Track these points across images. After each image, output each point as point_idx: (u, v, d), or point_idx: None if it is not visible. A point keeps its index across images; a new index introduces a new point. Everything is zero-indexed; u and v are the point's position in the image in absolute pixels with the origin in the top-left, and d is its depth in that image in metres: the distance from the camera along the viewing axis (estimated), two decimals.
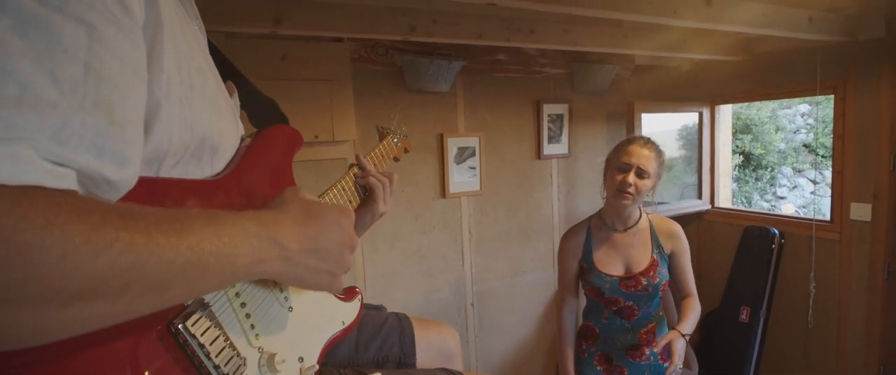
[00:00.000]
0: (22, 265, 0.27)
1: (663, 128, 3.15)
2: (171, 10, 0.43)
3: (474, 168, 2.69)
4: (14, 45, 0.29)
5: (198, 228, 0.37)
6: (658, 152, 1.51)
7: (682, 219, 3.21)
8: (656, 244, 1.57)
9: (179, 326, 0.41)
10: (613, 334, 1.59)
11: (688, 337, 1.47)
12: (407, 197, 2.54)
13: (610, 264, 1.56)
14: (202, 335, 0.42)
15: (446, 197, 2.62)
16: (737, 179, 6.94)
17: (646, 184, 1.47)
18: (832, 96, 2.45)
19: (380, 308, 0.93)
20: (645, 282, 1.52)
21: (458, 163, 2.65)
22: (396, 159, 1.07)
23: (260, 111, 0.68)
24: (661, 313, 1.61)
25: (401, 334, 0.83)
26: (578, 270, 1.63)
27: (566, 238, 1.66)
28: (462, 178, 2.66)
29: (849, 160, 2.38)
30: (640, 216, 1.60)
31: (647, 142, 1.51)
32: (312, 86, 2.18)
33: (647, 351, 1.57)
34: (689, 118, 3.26)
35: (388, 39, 2.24)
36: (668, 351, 1.59)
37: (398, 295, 2.55)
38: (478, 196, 2.72)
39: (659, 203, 3.16)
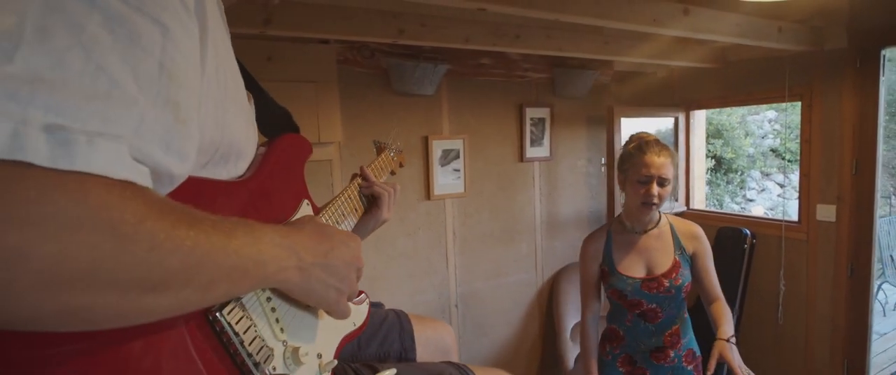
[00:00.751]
0: (120, 253, 0.30)
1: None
2: (215, 15, 0.45)
3: (459, 170, 2.72)
4: (105, 40, 0.31)
5: (240, 235, 0.39)
6: (672, 154, 1.50)
7: None
8: (678, 245, 1.56)
9: (217, 314, 0.43)
10: (638, 336, 1.58)
11: (734, 340, 1.44)
12: (397, 199, 2.54)
13: (631, 266, 1.54)
14: (236, 324, 0.44)
15: (431, 198, 2.64)
16: (709, 182, 7.18)
17: (668, 190, 1.48)
18: (799, 103, 2.57)
19: (379, 305, 0.95)
20: (667, 284, 1.50)
21: (442, 166, 2.67)
22: (393, 172, 1.10)
23: (272, 120, 0.69)
24: (685, 314, 1.61)
25: (401, 330, 0.84)
26: (600, 274, 1.62)
27: (587, 242, 1.65)
28: (446, 180, 2.69)
29: (815, 164, 2.50)
30: (660, 218, 1.59)
31: (661, 148, 1.49)
32: (298, 87, 2.17)
33: (672, 353, 1.56)
34: (662, 123, 3.37)
35: (375, 42, 2.26)
36: (692, 354, 1.59)
37: (383, 296, 2.53)
38: (462, 198, 2.75)
39: None
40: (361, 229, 0.85)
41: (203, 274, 0.35)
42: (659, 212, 1.60)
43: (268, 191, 0.56)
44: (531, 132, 2.95)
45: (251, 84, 0.66)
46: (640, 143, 1.53)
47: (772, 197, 6.72)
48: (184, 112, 0.37)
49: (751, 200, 7.14)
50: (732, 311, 2.70)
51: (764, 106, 7.21)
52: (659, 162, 1.46)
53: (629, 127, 3.09)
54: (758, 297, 2.78)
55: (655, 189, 1.46)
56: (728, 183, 7.19)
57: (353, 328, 0.65)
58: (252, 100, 0.65)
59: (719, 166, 7.15)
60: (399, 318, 0.86)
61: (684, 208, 3.19)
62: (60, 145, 0.28)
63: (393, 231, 2.55)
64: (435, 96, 2.60)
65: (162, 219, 0.32)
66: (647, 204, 1.47)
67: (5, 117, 0.26)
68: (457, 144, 2.70)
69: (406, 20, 1.86)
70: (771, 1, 1.64)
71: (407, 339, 0.82)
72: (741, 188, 7.21)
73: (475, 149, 2.77)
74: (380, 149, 1.03)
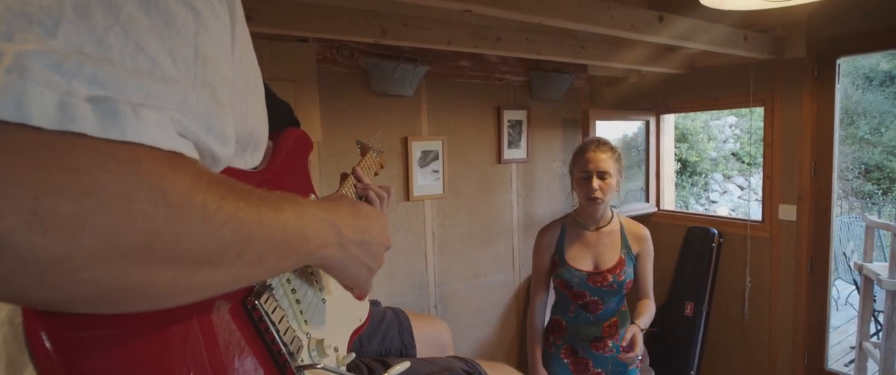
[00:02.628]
0: (174, 224, 0.29)
1: (612, 135, 3.34)
2: (239, 5, 0.45)
3: (437, 171, 2.72)
4: (142, 21, 0.31)
5: (287, 208, 0.39)
6: (612, 150, 1.61)
7: None
8: (625, 245, 1.67)
9: (256, 302, 0.42)
10: (579, 327, 1.68)
11: (644, 331, 1.59)
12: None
13: (580, 259, 1.65)
14: (272, 312, 0.44)
15: (410, 200, 2.64)
16: (676, 185, 7.44)
17: (610, 183, 1.58)
18: (762, 108, 2.70)
19: (376, 303, 0.94)
20: (611, 279, 1.61)
21: (421, 167, 2.67)
22: (376, 174, 1.10)
23: (274, 114, 0.68)
24: (623, 308, 1.71)
25: (400, 327, 0.84)
26: (550, 264, 1.71)
27: (542, 233, 1.74)
28: (426, 181, 2.69)
29: (777, 165, 2.63)
30: (613, 217, 1.70)
31: (600, 144, 1.61)
32: (276, 86, 2.10)
33: (610, 344, 1.67)
34: (628, 128, 3.47)
35: (355, 41, 2.24)
36: (631, 343, 1.72)
37: None
38: (441, 199, 2.76)
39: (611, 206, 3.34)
40: None
41: (255, 248, 0.35)
42: (612, 212, 1.70)
43: (282, 184, 0.56)
44: (509, 134, 2.98)
45: None
46: (582, 144, 1.65)
47: (733, 198, 7.02)
48: (220, 96, 0.36)
49: (714, 201, 7.44)
50: (701, 307, 2.81)
51: (725, 112, 7.52)
52: (597, 157, 1.57)
53: (603, 129, 3.17)
54: (725, 294, 2.89)
55: (596, 182, 1.56)
56: (692, 185, 7.47)
57: (358, 323, 0.64)
58: None
59: (685, 169, 7.43)
60: (397, 316, 0.86)
61: (655, 208, 3.30)
62: (108, 115, 0.28)
63: None
64: (414, 97, 2.60)
65: (211, 190, 0.32)
66: (592, 198, 1.57)
67: (51, 88, 0.26)
68: (436, 145, 2.71)
69: (388, 20, 1.85)
70: (746, 10, 1.73)
71: (406, 336, 0.82)
72: (705, 190, 7.51)
73: (454, 151, 2.78)
74: (364, 150, 1.03)
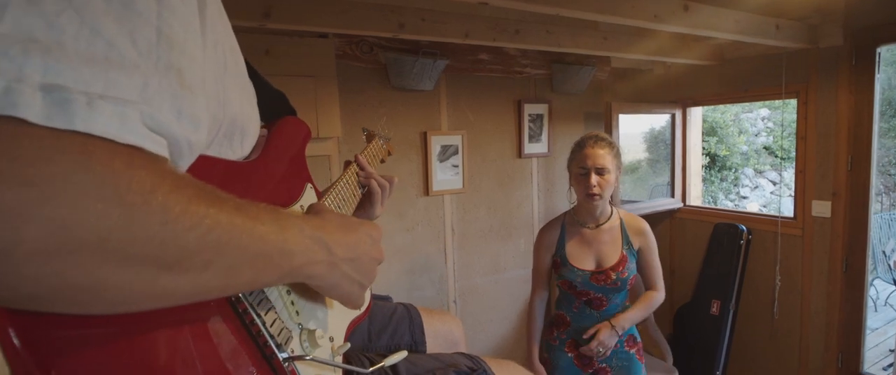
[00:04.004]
0: (129, 225, 0.28)
1: (631, 131, 3.26)
2: None
3: (457, 166, 2.72)
4: (98, 4, 0.30)
5: (267, 220, 0.37)
6: (610, 145, 1.59)
7: (655, 217, 3.33)
8: (626, 241, 1.65)
9: (240, 294, 0.42)
10: (583, 322, 1.67)
11: (620, 329, 1.59)
12: (391, 195, 2.54)
13: (582, 259, 1.63)
14: (258, 305, 0.44)
15: (429, 194, 2.64)
16: (704, 179, 7.23)
17: (608, 179, 1.55)
18: (795, 100, 2.59)
19: (387, 298, 0.94)
20: (614, 277, 1.60)
21: (441, 161, 2.67)
22: (382, 161, 1.09)
23: (268, 104, 0.68)
24: (627, 303, 1.70)
25: (410, 323, 0.84)
26: (552, 264, 1.71)
27: (542, 233, 1.73)
28: (445, 176, 2.68)
29: (810, 160, 2.52)
30: (612, 213, 1.68)
31: (598, 139, 1.58)
32: (296, 81, 2.16)
33: None
34: (655, 122, 3.39)
35: (374, 36, 2.25)
36: (633, 339, 1.70)
37: (381, 292, 2.54)
38: (460, 194, 2.75)
39: (632, 201, 3.27)
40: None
41: (225, 257, 0.33)
42: (611, 207, 1.67)
43: (275, 174, 0.55)
44: (529, 128, 2.95)
45: (246, 68, 0.66)
46: (580, 140, 1.62)
47: (765, 194, 6.78)
48: (188, 79, 0.35)
49: (744, 197, 7.20)
50: (728, 306, 2.73)
51: (757, 104, 7.26)
52: (594, 153, 1.54)
53: (627, 123, 3.10)
54: (754, 292, 2.80)
55: (594, 179, 1.53)
56: (722, 180, 7.25)
57: (359, 312, 0.64)
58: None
59: (714, 163, 7.20)
60: (408, 311, 0.86)
61: (680, 204, 3.21)
62: (57, 104, 0.27)
63: (391, 226, 2.55)
64: (433, 92, 2.59)
65: (176, 192, 0.30)
66: (590, 195, 1.53)
67: None
68: (455, 140, 2.70)
69: (406, 14, 1.85)
70: None
71: (417, 332, 0.82)
72: (735, 185, 7.27)
73: (473, 145, 2.76)
74: (369, 137, 1.02)
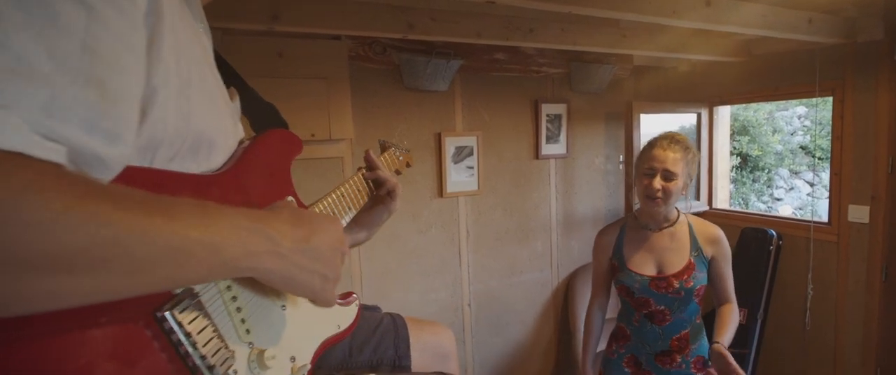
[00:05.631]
0: (2, 224, 0.27)
1: (661, 129, 3.15)
2: (172, 5, 0.44)
3: (472, 167, 2.68)
4: (14, 18, 0.30)
5: (185, 215, 0.37)
6: (686, 149, 1.45)
7: None
8: (695, 247, 1.50)
9: (165, 313, 0.40)
10: (643, 338, 1.54)
11: (728, 345, 1.40)
12: (404, 197, 2.48)
13: (642, 263, 1.50)
14: (189, 324, 0.42)
15: (444, 196, 2.61)
16: (734, 180, 6.96)
17: (674, 185, 1.42)
18: (830, 98, 2.45)
19: (375, 308, 0.92)
20: (677, 285, 1.45)
21: (455, 163, 2.63)
22: (398, 172, 1.07)
23: (261, 116, 0.67)
24: (697, 320, 1.53)
25: (395, 336, 0.81)
26: (610, 268, 1.60)
27: (600, 235, 1.64)
28: (460, 178, 2.65)
29: (847, 161, 2.38)
30: (678, 217, 1.55)
31: (673, 141, 1.45)
32: (309, 83, 2.16)
33: (679, 359, 1.51)
34: (686, 120, 3.26)
35: (386, 37, 2.23)
36: (703, 362, 1.52)
37: (395, 294, 2.53)
38: (475, 195, 2.71)
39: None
40: (375, 220, 0.85)
41: (128, 255, 0.32)
42: (677, 211, 1.56)
43: (245, 186, 0.53)
44: (547, 128, 2.88)
45: (235, 80, 0.64)
46: (653, 139, 1.50)
47: (801, 196, 6.47)
48: (113, 91, 0.35)
49: (778, 199, 6.90)
50: (756, 314, 2.60)
51: (793, 101, 6.95)
52: (664, 155, 1.43)
53: (649, 123, 3.00)
54: (783, 302, 2.66)
55: (658, 182, 1.42)
56: (754, 181, 6.96)
57: (336, 331, 0.61)
58: (236, 97, 0.62)
59: (745, 164, 6.92)
60: (394, 323, 0.83)
61: (706, 207, 3.09)
62: None
63: (405, 228, 2.53)
64: (448, 92, 2.56)
65: (58, 191, 0.30)
66: (650, 197, 1.44)
67: None
68: (470, 141, 2.66)
69: (415, 15, 1.82)
70: None
71: (401, 345, 0.79)
72: (768, 187, 6.97)
73: (489, 146, 2.72)
74: (384, 147, 1.01)
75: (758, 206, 6.87)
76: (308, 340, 0.56)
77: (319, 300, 0.50)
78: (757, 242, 2.68)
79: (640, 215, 1.57)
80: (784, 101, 7.03)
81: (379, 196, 0.86)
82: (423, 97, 2.51)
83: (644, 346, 1.55)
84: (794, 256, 2.61)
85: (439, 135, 2.56)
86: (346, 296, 0.66)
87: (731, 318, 1.47)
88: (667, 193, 1.43)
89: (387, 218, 0.87)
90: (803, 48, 2.43)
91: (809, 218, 2.56)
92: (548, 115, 2.87)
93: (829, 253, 2.47)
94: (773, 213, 5.15)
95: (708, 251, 1.51)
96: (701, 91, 3.05)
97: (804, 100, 6.63)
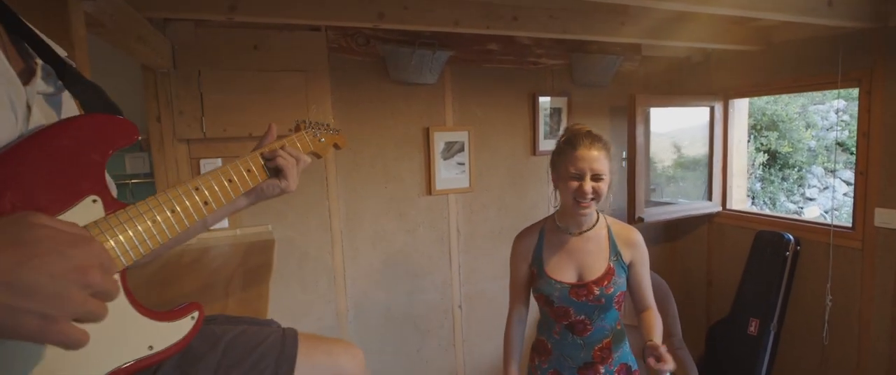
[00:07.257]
0: None
1: (682, 125, 2.93)
2: None
3: (463, 164, 2.56)
4: None
5: None
6: (606, 146, 1.36)
7: (689, 222, 3.01)
8: (614, 251, 1.41)
9: None
10: (565, 350, 1.45)
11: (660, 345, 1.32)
12: (389, 194, 2.43)
13: (561, 270, 1.41)
14: None
15: (432, 194, 2.50)
16: (761, 179, 6.56)
17: (603, 185, 1.33)
18: (856, 89, 2.21)
19: (270, 323, 0.82)
20: (597, 292, 1.37)
21: (445, 159, 2.52)
22: (318, 156, 0.99)
23: (89, 101, 0.58)
24: (618, 327, 1.45)
25: (278, 356, 0.71)
26: (528, 275, 1.50)
27: (518, 239, 1.52)
28: (450, 175, 2.54)
29: (874, 160, 2.15)
30: (598, 219, 1.45)
31: (594, 139, 1.35)
32: (287, 76, 2.09)
33: (602, 369, 1.43)
34: (696, 113, 3.05)
35: (365, 27, 2.13)
36: (627, 369, 1.46)
37: (380, 295, 2.45)
38: (467, 193, 2.59)
39: (666, 203, 2.96)
40: (263, 191, 0.83)
41: None
42: (597, 213, 1.44)
43: (5, 181, 0.44)
44: (546, 123, 2.73)
45: (47, 55, 0.55)
46: (570, 136, 1.37)
47: (837, 196, 6.05)
48: None
49: (810, 199, 6.48)
50: (769, 325, 2.40)
51: (830, 94, 6.50)
52: (590, 155, 1.32)
53: (659, 117, 2.80)
54: (800, 312, 2.45)
55: (589, 185, 1.31)
56: (783, 179, 6.55)
57: (146, 353, 0.51)
58: (37, 77, 0.53)
59: (774, 161, 6.51)
60: (284, 341, 0.73)
61: (719, 208, 2.88)
62: None
63: (391, 227, 2.44)
64: (437, 85, 2.45)
65: None
66: (582, 202, 1.31)
67: None
68: (461, 136, 2.54)
69: (385, 3, 1.72)
70: None
71: (284, 366, 0.69)
72: (799, 186, 6.55)
73: (482, 142, 2.60)
74: (296, 128, 0.94)
75: (787, 206, 6.47)
76: (87, 368, 0.47)
77: (50, 342, 0.39)
78: (772, 247, 2.48)
79: (560, 219, 1.46)
80: (820, 95, 6.59)
81: (272, 174, 0.83)
82: (410, 90, 2.40)
83: (566, 360, 1.45)
84: (813, 263, 2.39)
85: (427, 129, 2.45)
86: (178, 312, 0.56)
87: (656, 321, 1.40)
88: (598, 194, 1.33)
89: (277, 194, 0.84)
90: (826, 34, 2.21)
91: (829, 222, 2.34)
92: (547, 110, 2.72)
93: (853, 260, 2.25)
94: (793, 216, 4.82)
95: (627, 255, 1.42)
96: (715, 82, 2.83)
97: (844, 93, 6.18)
